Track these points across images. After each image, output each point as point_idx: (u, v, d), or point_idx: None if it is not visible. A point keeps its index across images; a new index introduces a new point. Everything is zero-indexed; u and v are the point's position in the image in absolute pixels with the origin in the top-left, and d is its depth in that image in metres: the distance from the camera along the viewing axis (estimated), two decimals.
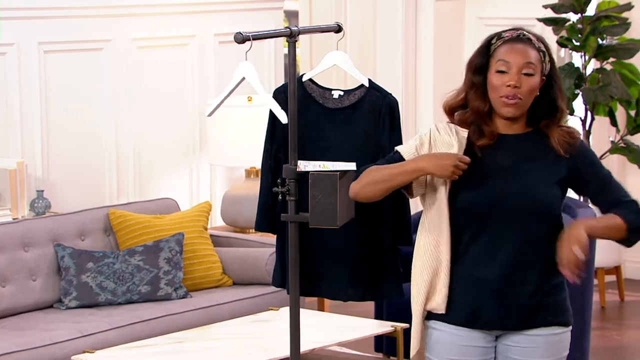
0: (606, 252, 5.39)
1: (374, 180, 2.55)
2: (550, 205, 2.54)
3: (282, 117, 2.91)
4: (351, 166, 2.85)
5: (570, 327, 2.61)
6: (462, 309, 2.56)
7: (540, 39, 2.57)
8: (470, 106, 2.57)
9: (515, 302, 2.54)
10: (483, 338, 2.58)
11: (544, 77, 2.56)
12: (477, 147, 2.55)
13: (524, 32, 2.56)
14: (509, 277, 2.52)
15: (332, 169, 2.82)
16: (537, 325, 2.56)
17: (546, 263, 2.55)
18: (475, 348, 2.57)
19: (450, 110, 2.62)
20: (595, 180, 2.59)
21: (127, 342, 3.89)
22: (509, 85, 2.50)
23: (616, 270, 5.58)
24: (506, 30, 2.57)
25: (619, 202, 2.58)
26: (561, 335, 2.58)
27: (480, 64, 2.56)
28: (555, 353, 2.58)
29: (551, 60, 2.57)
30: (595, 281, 5.37)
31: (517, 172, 2.54)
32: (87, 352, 3.72)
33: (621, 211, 2.57)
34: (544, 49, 2.55)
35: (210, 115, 3.02)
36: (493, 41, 2.57)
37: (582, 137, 2.61)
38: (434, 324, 2.60)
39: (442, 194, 2.55)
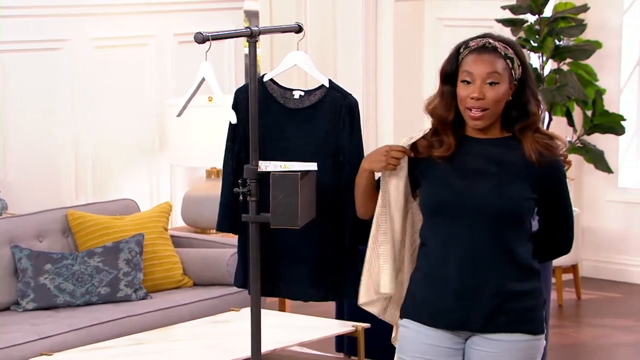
0: None
1: (355, 195, 2.71)
2: (514, 208, 2.53)
3: (232, 117, 2.92)
4: (312, 166, 2.85)
5: (541, 336, 2.58)
6: (426, 308, 2.58)
7: (509, 45, 2.55)
8: (435, 114, 2.59)
9: (476, 303, 2.54)
10: (450, 339, 2.58)
11: (516, 82, 2.55)
12: (435, 157, 2.56)
13: (490, 41, 2.54)
14: (470, 277, 2.53)
15: (293, 169, 2.83)
16: (499, 329, 2.54)
17: (511, 267, 2.54)
18: (441, 348, 2.58)
19: (431, 115, 2.62)
20: (554, 200, 2.58)
21: (86, 344, 3.86)
22: (472, 98, 2.51)
23: (573, 269, 5.64)
24: (473, 39, 2.57)
25: (561, 231, 2.61)
26: (527, 343, 2.55)
27: (448, 73, 2.57)
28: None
29: (522, 65, 2.55)
30: (553, 280, 5.43)
31: (484, 175, 2.55)
32: (45, 354, 3.68)
33: (554, 243, 2.63)
34: (511, 56, 2.54)
35: (179, 115, 3.01)
36: (461, 50, 2.57)
37: (564, 150, 2.59)
38: (403, 322, 2.63)
39: (397, 189, 2.60)
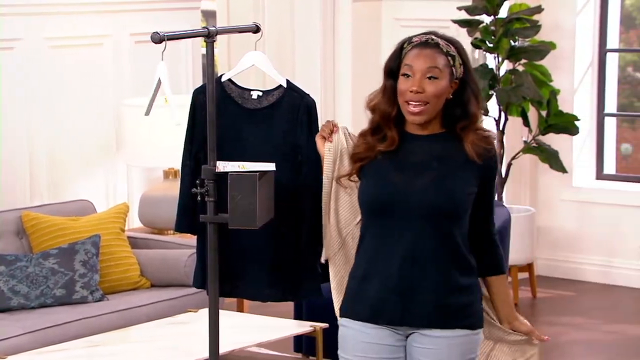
0: (519, 250, 5.51)
1: None
2: (455, 203, 2.55)
3: (175, 118, 2.91)
4: (270, 167, 2.85)
5: (479, 331, 2.61)
6: (366, 304, 2.58)
7: (451, 43, 2.58)
8: (378, 109, 2.61)
9: (417, 298, 2.55)
10: (390, 336, 2.59)
11: (457, 81, 2.58)
12: (378, 151, 2.59)
13: (433, 37, 2.57)
14: (409, 272, 2.54)
15: (252, 170, 2.82)
16: (440, 325, 2.56)
17: (451, 262, 2.56)
18: (382, 346, 2.58)
19: (372, 111, 2.65)
20: (486, 197, 2.62)
21: (41, 347, 3.81)
22: (412, 91, 2.54)
23: (529, 267, 5.71)
24: (417, 35, 2.60)
25: (488, 236, 2.64)
26: (466, 338, 2.58)
27: (392, 68, 2.60)
28: (461, 356, 2.58)
29: (464, 64, 2.58)
30: (509, 279, 5.49)
31: (425, 170, 2.57)
32: None
33: (492, 259, 2.66)
34: (453, 53, 2.56)
35: (147, 114, 2.99)
36: (405, 45, 2.60)
37: (494, 146, 2.64)
38: (343, 321, 2.63)
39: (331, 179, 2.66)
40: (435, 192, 2.54)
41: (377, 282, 2.57)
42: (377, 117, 2.61)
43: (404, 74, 2.55)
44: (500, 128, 5.51)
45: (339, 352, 2.64)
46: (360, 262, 2.62)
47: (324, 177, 2.73)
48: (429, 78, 2.53)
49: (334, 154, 2.69)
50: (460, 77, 2.58)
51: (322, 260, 2.77)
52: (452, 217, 2.55)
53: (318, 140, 2.74)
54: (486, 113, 5.47)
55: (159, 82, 2.97)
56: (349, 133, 2.72)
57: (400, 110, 2.58)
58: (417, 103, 2.54)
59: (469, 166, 2.58)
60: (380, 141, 2.59)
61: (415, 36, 2.60)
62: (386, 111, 2.59)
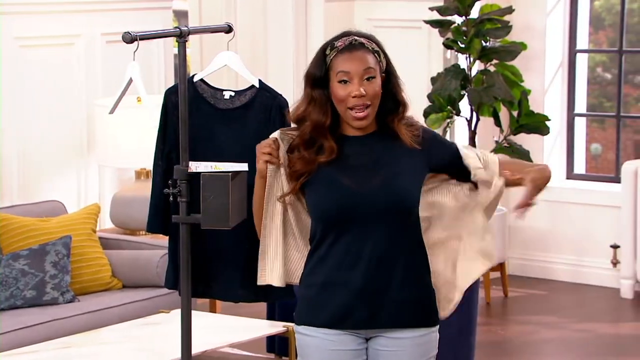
0: None
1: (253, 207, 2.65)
2: (406, 199, 2.54)
3: (111, 108, 2.87)
4: (243, 167, 2.85)
5: (437, 328, 2.62)
6: (328, 312, 2.56)
7: (371, 39, 2.58)
8: (309, 120, 2.55)
9: (383, 299, 2.54)
10: (353, 340, 2.57)
11: (383, 74, 2.58)
12: (319, 163, 2.54)
13: (355, 38, 2.56)
14: (374, 275, 2.53)
15: (224, 170, 2.82)
16: (405, 325, 2.56)
17: (411, 258, 2.56)
18: (346, 352, 2.57)
19: (298, 123, 2.60)
20: (454, 160, 2.59)
21: (11, 348, 3.78)
22: (354, 96, 2.52)
23: (500, 267, 5.74)
24: (337, 39, 2.57)
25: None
26: (428, 337, 2.59)
27: (318, 77, 2.55)
28: (424, 354, 2.59)
29: (386, 57, 2.59)
30: (481, 278, 5.52)
31: (372, 171, 2.55)
32: None
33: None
34: (377, 49, 2.57)
35: (111, 112, 2.97)
36: (327, 52, 2.56)
37: (419, 123, 2.62)
38: (302, 329, 2.59)
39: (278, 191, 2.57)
40: (387, 193, 2.52)
41: (341, 289, 2.54)
42: (309, 128, 2.55)
43: (341, 81, 2.52)
44: (472, 128, 5.54)
45: (299, 359, 2.62)
46: (317, 269, 2.57)
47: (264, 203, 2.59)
48: (367, 79, 2.53)
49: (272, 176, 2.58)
50: (385, 69, 2.58)
51: (260, 282, 2.66)
52: (405, 214, 2.55)
53: (262, 166, 2.57)
54: (457, 113, 5.50)
55: (129, 82, 2.95)
56: (281, 137, 2.60)
57: (333, 118, 2.55)
58: (361, 107, 2.53)
59: (412, 157, 2.57)
60: (316, 153, 2.55)
61: (336, 40, 2.56)
62: (319, 121, 2.54)
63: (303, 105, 2.57)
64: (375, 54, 2.56)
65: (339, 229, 2.54)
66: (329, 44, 2.56)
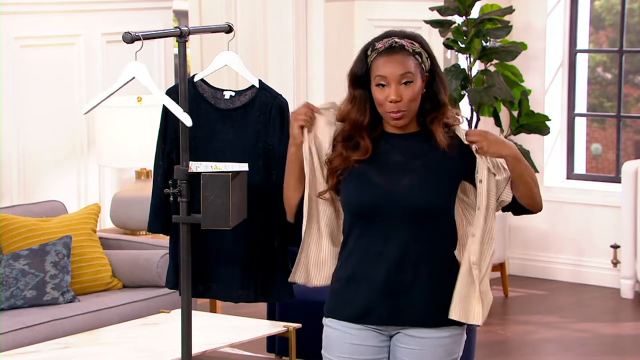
0: None
1: (285, 179, 2.67)
2: (437, 202, 2.55)
3: (187, 121, 2.85)
4: (243, 167, 2.85)
5: (463, 328, 2.61)
6: (352, 306, 2.58)
7: (414, 40, 2.56)
8: (348, 118, 2.58)
9: (407, 298, 2.54)
10: (375, 337, 2.59)
11: (427, 74, 2.57)
12: (354, 160, 2.56)
13: (396, 40, 2.55)
14: (397, 274, 2.54)
15: (224, 170, 2.82)
16: (430, 324, 2.56)
17: (439, 261, 2.56)
18: (367, 347, 2.58)
19: (342, 120, 2.62)
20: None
21: (11, 348, 3.78)
22: (390, 101, 2.53)
23: (501, 267, 5.75)
24: (378, 40, 2.57)
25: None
26: (451, 339, 2.58)
27: (359, 77, 2.57)
28: (446, 355, 2.59)
29: (430, 56, 2.58)
30: None
31: (406, 171, 2.56)
32: None
33: None
34: (419, 50, 2.56)
35: (86, 113, 2.94)
36: (369, 53, 2.57)
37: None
38: (328, 321, 2.62)
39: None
40: (419, 194, 2.53)
41: (365, 285, 2.56)
42: (348, 126, 2.59)
43: (379, 84, 2.54)
44: (472, 128, 5.54)
45: (323, 351, 2.64)
46: (345, 263, 2.60)
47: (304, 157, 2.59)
48: (404, 84, 2.53)
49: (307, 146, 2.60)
50: (429, 69, 2.57)
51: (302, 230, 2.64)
52: (436, 216, 2.55)
53: (296, 131, 2.61)
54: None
55: (127, 83, 2.94)
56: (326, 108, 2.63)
57: (373, 117, 2.57)
58: (396, 111, 2.54)
59: (446, 161, 2.57)
60: (353, 150, 2.58)
61: (377, 41, 2.57)
62: (358, 120, 2.57)
63: (345, 104, 2.60)
64: (417, 56, 2.55)
65: (365, 224, 2.56)
66: (371, 45, 2.57)
